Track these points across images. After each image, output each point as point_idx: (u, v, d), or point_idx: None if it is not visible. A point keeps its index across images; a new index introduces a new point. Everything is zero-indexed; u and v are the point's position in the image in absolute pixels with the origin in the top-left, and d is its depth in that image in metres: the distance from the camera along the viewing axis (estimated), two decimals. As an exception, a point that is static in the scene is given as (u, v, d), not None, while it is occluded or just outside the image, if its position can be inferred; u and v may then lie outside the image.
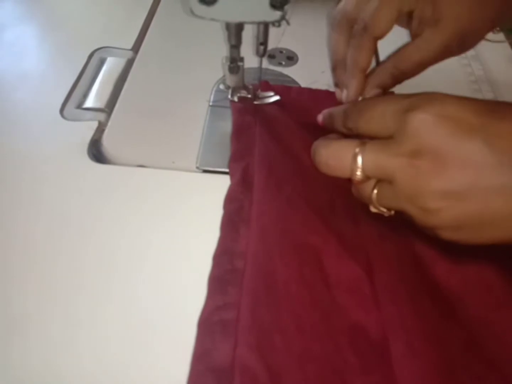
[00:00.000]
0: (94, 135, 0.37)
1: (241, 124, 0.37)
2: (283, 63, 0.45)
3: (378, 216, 0.29)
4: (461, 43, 0.33)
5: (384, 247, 0.29)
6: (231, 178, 0.34)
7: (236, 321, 0.26)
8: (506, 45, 0.49)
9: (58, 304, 0.28)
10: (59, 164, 0.35)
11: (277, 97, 0.39)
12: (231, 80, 0.37)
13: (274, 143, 0.35)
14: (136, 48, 0.46)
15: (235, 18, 0.30)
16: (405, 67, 0.33)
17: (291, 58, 0.46)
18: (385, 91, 0.35)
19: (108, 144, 0.37)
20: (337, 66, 0.36)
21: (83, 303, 0.28)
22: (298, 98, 0.40)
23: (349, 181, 0.29)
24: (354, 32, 0.33)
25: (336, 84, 0.37)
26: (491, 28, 0.34)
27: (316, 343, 0.25)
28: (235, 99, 0.39)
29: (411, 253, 0.29)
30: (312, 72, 0.43)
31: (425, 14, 0.32)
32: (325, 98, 0.39)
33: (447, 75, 0.41)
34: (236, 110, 0.38)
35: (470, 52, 0.43)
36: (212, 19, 0.29)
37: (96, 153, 0.36)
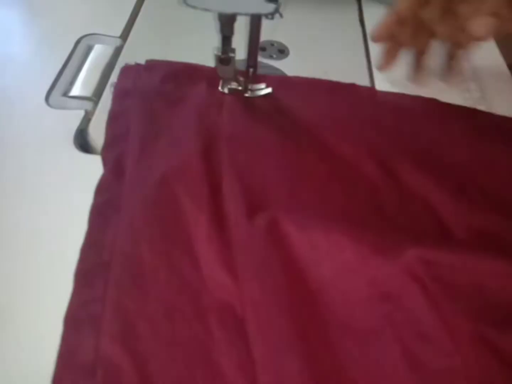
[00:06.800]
0: (80, 124, 0.36)
1: (118, 109, 0.36)
2: (274, 56, 0.45)
3: None
4: None
5: (244, 227, 0.28)
6: (104, 167, 0.33)
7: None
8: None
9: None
10: (44, 153, 0.34)
11: (269, 90, 0.38)
12: (222, 72, 0.37)
13: (150, 124, 0.34)
14: (124, 35, 0.45)
15: (228, 9, 0.29)
16: None
17: (282, 51, 0.45)
18: None
19: (94, 133, 0.36)
20: None
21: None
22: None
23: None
24: None
25: None
26: None
27: (185, 327, 0.25)
28: (226, 90, 0.38)
29: (268, 230, 0.28)
30: (303, 66, 0.43)
31: None
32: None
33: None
34: (116, 94, 0.37)
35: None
36: (205, 10, 0.28)
37: (83, 142, 0.35)
